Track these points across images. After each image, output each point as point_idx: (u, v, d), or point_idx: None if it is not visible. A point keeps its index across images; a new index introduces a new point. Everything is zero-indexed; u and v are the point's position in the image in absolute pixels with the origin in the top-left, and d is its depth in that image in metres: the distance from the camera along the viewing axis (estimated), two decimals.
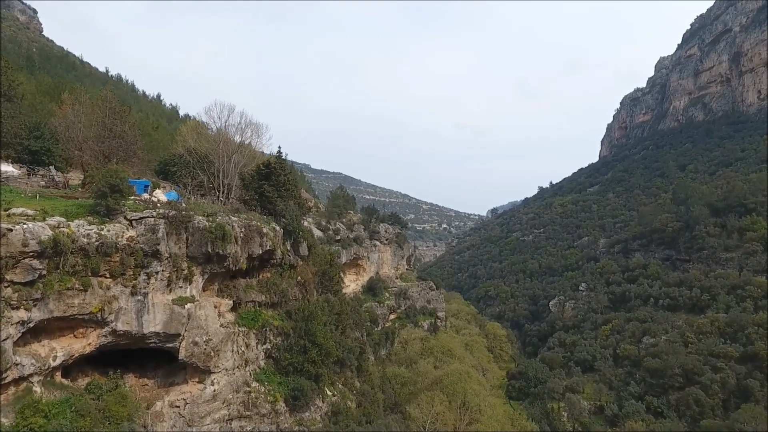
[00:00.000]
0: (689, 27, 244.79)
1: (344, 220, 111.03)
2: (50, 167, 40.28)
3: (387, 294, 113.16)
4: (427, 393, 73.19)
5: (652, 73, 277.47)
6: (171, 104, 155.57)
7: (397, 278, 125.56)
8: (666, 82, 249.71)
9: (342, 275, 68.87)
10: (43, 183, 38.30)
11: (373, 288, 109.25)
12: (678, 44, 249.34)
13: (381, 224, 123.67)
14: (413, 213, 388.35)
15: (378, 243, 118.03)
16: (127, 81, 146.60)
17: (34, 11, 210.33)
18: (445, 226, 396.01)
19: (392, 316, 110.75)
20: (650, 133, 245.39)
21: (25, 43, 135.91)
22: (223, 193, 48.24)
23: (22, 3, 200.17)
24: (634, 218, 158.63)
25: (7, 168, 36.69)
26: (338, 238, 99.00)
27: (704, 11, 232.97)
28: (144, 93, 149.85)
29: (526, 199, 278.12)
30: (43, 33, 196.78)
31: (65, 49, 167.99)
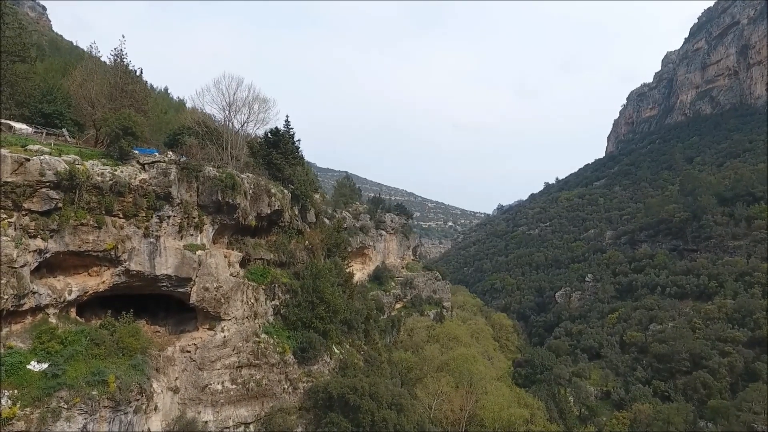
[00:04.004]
0: (696, 21, 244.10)
1: (350, 209, 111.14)
2: (63, 130, 40.97)
3: (393, 283, 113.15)
4: (434, 375, 73.40)
5: (658, 68, 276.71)
6: (178, 97, 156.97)
7: (403, 268, 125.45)
8: (673, 76, 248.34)
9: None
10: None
11: (379, 277, 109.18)
12: (685, 38, 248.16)
13: (387, 214, 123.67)
14: (419, 211, 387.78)
15: (384, 232, 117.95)
16: (135, 71, 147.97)
17: (43, 8, 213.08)
18: (450, 224, 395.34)
19: (398, 305, 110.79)
20: (657, 128, 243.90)
21: (36, 35, 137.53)
22: (231, 163, 48.83)
23: (32, 0, 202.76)
24: (641, 210, 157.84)
25: (21, 126, 37.39)
26: (344, 226, 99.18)
27: (711, 4, 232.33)
28: (152, 85, 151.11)
29: (532, 194, 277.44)
30: (53, 29, 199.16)
31: (74, 43, 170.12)
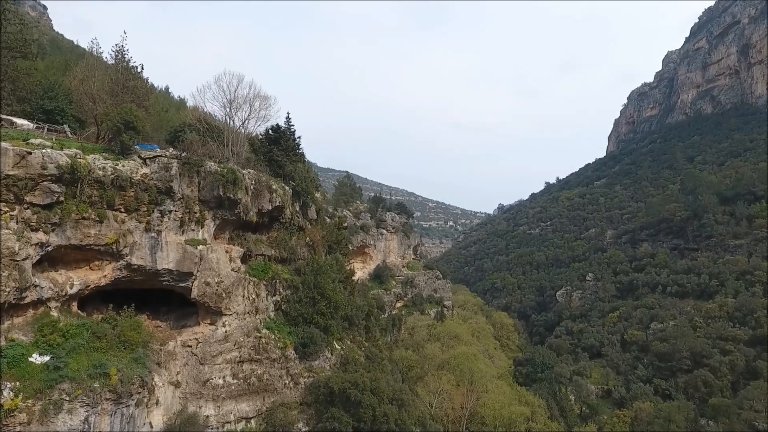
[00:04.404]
0: (697, 20, 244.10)
1: (351, 208, 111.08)
2: (64, 126, 41.05)
3: (394, 282, 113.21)
4: (435, 373, 73.41)
5: (659, 68, 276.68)
6: (179, 96, 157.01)
7: (403, 267, 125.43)
8: (674, 75, 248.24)
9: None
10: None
11: (379, 276, 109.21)
12: (686, 37, 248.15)
13: (387, 213, 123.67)
14: (419, 211, 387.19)
15: (384, 231, 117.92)
16: (136, 67, 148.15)
17: (44, 7, 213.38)
18: (451, 223, 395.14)
19: (399, 304, 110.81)
20: (658, 127, 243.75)
21: (36, 35, 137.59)
22: (232, 160, 48.83)
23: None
24: (642, 209, 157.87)
25: (23, 122, 37.47)
26: (345, 225, 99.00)
27: (712, 4, 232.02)
28: (152, 84, 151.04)
29: (532, 194, 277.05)
30: (53, 29, 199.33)
31: (75, 42, 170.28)
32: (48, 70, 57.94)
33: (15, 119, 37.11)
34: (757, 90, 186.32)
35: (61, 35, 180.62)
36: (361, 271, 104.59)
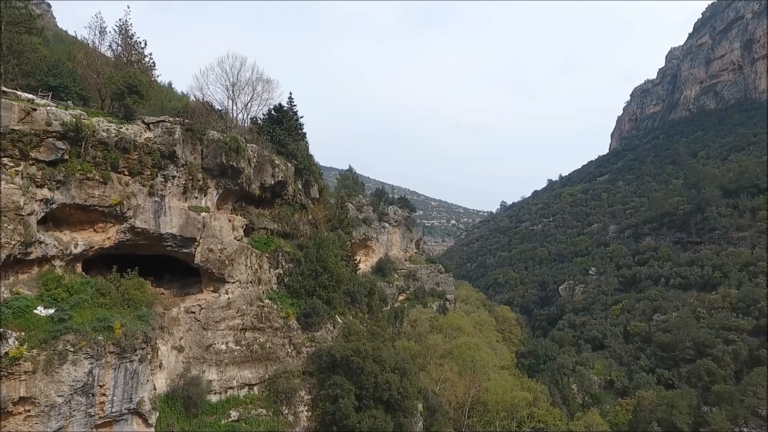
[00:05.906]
0: (700, 16, 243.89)
1: (354, 201, 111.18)
2: (68, 102, 41.39)
3: (396, 275, 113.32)
4: (437, 361, 73.47)
5: (661, 65, 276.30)
6: (182, 92, 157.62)
7: (406, 260, 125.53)
8: (677, 72, 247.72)
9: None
10: None
11: (382, 269, 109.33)
12: (689, 33, 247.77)
13: (390, 206, 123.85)
14: (422, 209, 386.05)
15: (387, 225, 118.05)
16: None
17: (48, 5, 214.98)
18: (453, 222, 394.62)
19: (401, 297, 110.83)
20: (661, 123, 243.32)
21: (41, 29, 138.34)
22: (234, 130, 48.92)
23: None
24: (645, 204, 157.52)
25: (28, 96, 37.77)
26: (347, 214, 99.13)
27: (714, 0, 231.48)
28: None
29: (535, 191, 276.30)
30: (57, 25, 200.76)
31: (78, 37, 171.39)
32: (52, 56, 58.52)
33: (19, 93, 37.50)
34: (761, 85, 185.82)
35: (65, 31, 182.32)
36: (363, 264, 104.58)
